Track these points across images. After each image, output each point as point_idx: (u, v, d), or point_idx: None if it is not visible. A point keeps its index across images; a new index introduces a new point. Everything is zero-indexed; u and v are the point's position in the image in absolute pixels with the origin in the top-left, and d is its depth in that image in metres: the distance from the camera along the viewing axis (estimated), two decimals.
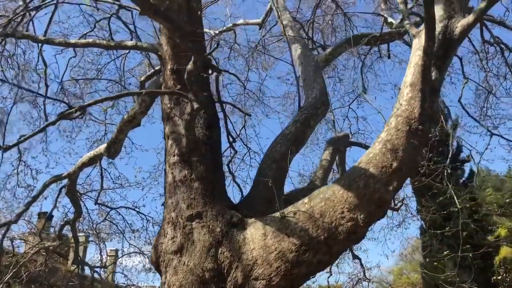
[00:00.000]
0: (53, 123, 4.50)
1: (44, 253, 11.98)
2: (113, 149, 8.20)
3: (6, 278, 12.07)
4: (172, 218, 4.71)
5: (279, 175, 5.80)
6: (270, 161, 6.01)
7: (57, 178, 9.11)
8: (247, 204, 5.39)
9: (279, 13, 9.87)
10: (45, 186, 9.17)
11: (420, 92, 4.43)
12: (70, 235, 12.35)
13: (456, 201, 12.03)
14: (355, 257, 14.92)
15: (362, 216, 4.35)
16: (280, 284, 4.31)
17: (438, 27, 5.01)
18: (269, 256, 4.35)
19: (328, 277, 14.62)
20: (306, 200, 4.62)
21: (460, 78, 9.75)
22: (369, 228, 4.74)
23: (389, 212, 12.76)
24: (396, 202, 11.46)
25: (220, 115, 10.95)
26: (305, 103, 7.22)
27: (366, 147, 7.89)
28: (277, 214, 4.53)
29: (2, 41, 9.38)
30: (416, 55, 5.07)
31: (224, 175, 5.34)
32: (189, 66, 3.93)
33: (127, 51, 10.37)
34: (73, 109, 3.79)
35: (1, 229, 9.68)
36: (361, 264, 14.88)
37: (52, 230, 12.97)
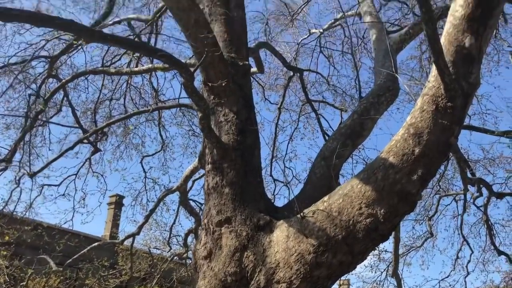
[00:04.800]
0: (71, 148, 5.09)
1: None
2: (204, 160, 8.81)
3: (155, 281, 13.79)
4: (205, 224, 4.90)
5: (327, 172, 5.57)
6: (319, 159, 5.82)
7: (168, 192, 10.11)
8: (291, 205, 5.30)
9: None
10: (159, 200, 10.27)
11: (435, 65, 3.85)
12: None
13: None
14: (500, 253, 13.18)
15: (382, 211, 3.96)
16: (301, 287, 4.16)
17: None
18: (290, 258, 4.24)
19: (465, 277, 13.17)
20: (326, 198, 4.39)
21: None
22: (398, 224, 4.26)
23: None
24: None
25: (313, 115, 10.89)
26: (368, 93, 6.75)
27: None
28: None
29: None
30: (447, 22, 4.41)
31: (260, 177, 5.33)
32: (182, 79, 4.11)
33: None
34: (87, 134, 4.28)
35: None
36: (510, 260, 13.09)
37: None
